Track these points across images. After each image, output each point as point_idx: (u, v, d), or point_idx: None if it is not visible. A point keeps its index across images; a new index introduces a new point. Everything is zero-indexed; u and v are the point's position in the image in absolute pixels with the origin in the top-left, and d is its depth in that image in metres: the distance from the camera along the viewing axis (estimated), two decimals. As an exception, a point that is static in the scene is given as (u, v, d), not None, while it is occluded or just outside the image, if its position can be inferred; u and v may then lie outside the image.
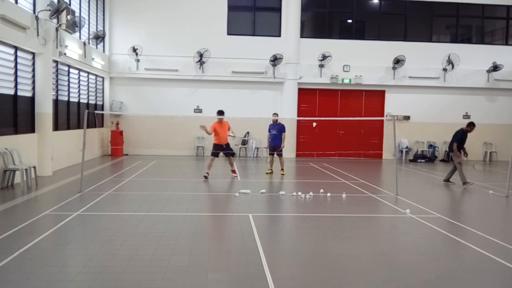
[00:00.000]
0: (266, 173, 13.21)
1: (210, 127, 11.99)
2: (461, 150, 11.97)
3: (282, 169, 13.18)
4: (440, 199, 10.19)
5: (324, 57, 18.34)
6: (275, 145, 13.15)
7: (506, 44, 19.93)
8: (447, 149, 12.28)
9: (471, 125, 12.05)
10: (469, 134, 12.06)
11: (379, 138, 19.64)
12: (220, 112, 12.24)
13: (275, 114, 13.61)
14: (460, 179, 11.57)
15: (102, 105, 18.05)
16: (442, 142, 19.43)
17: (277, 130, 13.18)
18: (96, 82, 17.23)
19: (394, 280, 4.80)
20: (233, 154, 12.82)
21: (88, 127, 11.20)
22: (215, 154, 12.28)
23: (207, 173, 11.98)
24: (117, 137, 17.82)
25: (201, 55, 17.78)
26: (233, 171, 12.56)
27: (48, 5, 11.45)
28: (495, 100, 19.77)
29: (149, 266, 4.97)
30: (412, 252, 5.87)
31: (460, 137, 11.98)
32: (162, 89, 18.40)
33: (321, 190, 10.05)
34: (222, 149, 12.29)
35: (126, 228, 6.61)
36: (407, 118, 19.39)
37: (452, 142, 12.06)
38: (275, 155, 13.22)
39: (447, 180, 12.17)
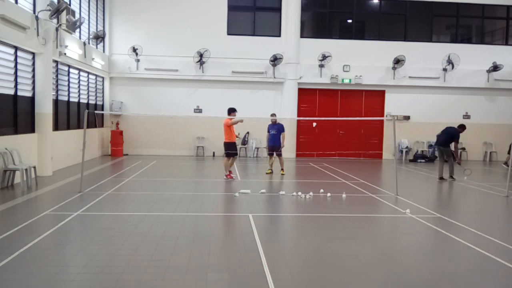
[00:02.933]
0: (266, 173, 13.21)
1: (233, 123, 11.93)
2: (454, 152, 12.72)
3: (282, 169, 13.18)
4: (440, 199, 10.19)
5: (324, 57, 18.35)
6: (274, 145, 13.18)
7: (506, 44, 19.92)
8: (440, 145, 12.80)
9: (464, 127, 12.86)
10: (469, 134, 12.56)
11: (379, 138, 19.64)
12: (234, 110, 12.08)
13: (274, 115, 13.62)
14: (450, 172, 12.50)
15: (102, 105, 18.05)
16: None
17: (276, 130, 13.21)
18: (96, 82, 17.23)
19: (394, 280, 4.80)
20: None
21: (88, 127, 11.20)
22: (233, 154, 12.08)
23: (230, 172, 12.00)
24: (117, 137, 17.81)
25: (201, 55, 17.78)
26: (230, 174, 12.06)
27: (48, 5, 11.44)
28: (495, 100, 19.77)
29: (149, 266, 4.97)
30: (412, 252, 5.87)
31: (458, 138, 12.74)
32: (162, 89, 18.40)
33: (321, 190, 10.05)
34: (235, 148, 12.18)
35: (126, 228, 6.61)
36: (407, 118, 19.39)
37: (453, 141, 12.54)
38: (275, 155, 13.24)
39: (451, 177, 12.55)
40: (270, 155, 13.38)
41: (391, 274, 5.01)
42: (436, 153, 14.24)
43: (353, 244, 6.09)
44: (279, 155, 13.19)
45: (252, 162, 16.85)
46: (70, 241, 6.03)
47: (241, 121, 12.09)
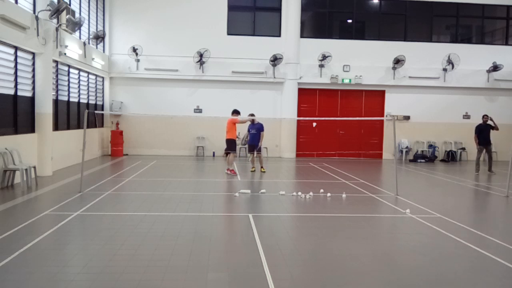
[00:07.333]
0: (251, 171, 13.56)
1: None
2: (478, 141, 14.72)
3: (262, 167, 13.55)
4: (440, 199, 10.18)
5: (324, 57, 18.34)
6: (253, 144, 13.60)
7: (506, 44, 19.93)
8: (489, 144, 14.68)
9: (484, 117, 15.02)
10: (469, 134, 13.90)
11: (379, 138, 19.63)
12: (238, 112, 13.27)
13: (252, 115, 13.80)
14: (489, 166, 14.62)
15: (102, 105, 18.05)
16: (442, 142, 19.47)
17: (256, 130, 13.59)
18: (96, 82, 17.23)
19: (394, 280, 4.80)
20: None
21: (88, 127, 11.21)
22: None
23: (230, 169, 12.81)
24: (117, 137, 17.81)
25: (201, 55, 17.78)
26: (232, 170, 12.91)
27: (48, 5, 11.44)
28: (495, 100, 19.77)
29: (149, 266, 4.97)
30: (412, 252, 5.86)
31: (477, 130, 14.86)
32: (162, 89, 18.40)
33: (321, 190, 10.05)
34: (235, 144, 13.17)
35: (126, 228, 6.61)
36: (407, 118, 19.39)
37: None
38: (255, 153, 13.62)
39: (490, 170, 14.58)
40: (251, 153, 13.78)
41: (391, 274, 5.01)
42: (477, 149, 15.22)
43: (353, 244, 6.09)
44: (258, 153, 13.56)
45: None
46: (70, 241, 6.03)
47: (250, 120, 13.29)
